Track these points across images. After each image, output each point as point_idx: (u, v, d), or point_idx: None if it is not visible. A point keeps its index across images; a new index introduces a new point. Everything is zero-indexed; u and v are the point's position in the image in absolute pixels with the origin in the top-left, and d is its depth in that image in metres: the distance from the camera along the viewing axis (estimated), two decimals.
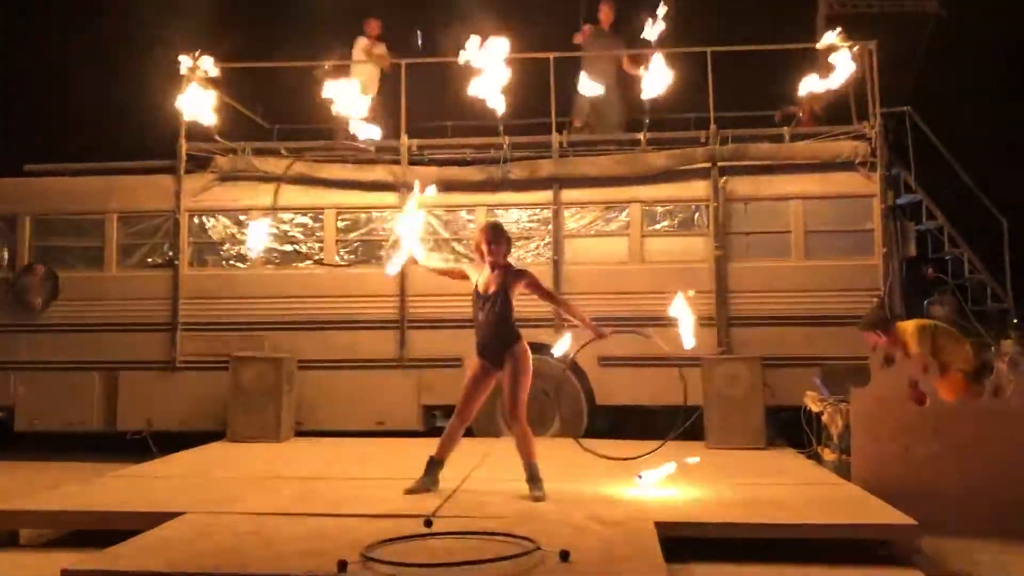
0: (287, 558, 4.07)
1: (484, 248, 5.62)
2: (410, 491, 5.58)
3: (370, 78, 9.77)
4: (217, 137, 8.75)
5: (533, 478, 5.54)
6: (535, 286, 5.71)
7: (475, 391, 5.71)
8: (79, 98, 14.00)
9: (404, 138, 9.06)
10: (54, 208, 9.40)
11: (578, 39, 9.74)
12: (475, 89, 6.51)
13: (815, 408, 7.20)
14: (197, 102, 8.09)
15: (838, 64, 7.42)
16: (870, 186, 8.46)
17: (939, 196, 9.17)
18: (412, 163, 9.05)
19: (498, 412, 8.45)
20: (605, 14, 9.77)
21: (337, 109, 7.81)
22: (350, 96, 7.82)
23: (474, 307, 5.69)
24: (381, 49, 10.03)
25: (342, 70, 9.39)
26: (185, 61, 8.15)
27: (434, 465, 5.70)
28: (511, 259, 5.86)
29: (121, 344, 8.96)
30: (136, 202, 9.29)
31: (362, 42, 10.03)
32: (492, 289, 5.59)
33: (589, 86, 7.81)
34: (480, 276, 5.67)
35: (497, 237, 5.65)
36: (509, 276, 5.62)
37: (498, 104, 7.36)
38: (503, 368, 5.61)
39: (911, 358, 6.36)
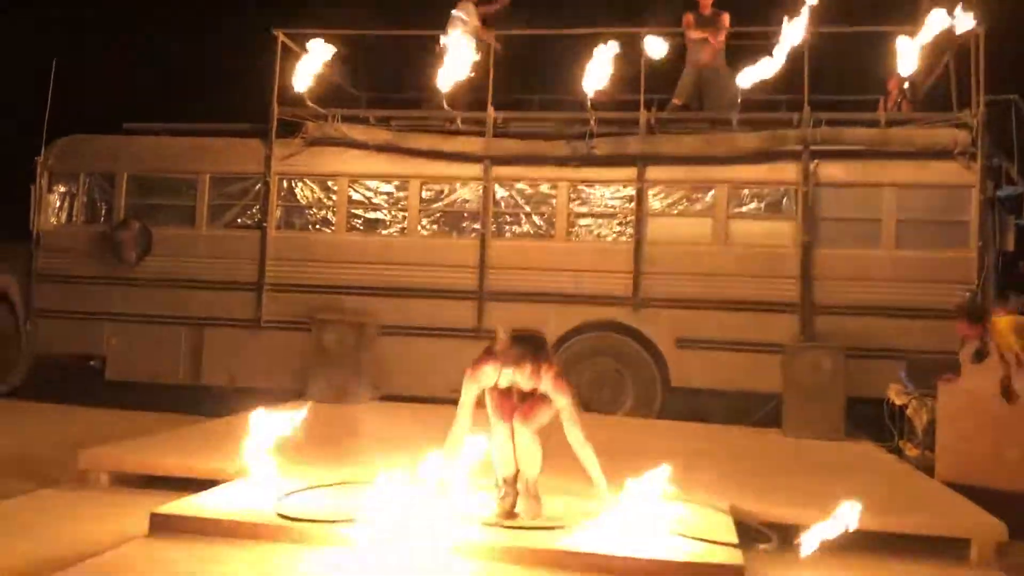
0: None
1: (527, 367, 4.41)
2: None
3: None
4: (309, 103, 8.89)
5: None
6: (566, 411, 4.40)
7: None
8: (177, 60, 14.41)
9: (490, 109, 9.05)
10: (150, 167, 9.69)
11: (685, 27, 9.51)
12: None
13: (899, 401, 7.02)
14: (290, 69, 8.30)
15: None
16: (969, 176, 8.14)
17: None
18: (496, 135, 9.06)
19: None
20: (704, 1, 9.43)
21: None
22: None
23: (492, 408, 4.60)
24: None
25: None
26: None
27: None
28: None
29: (208, 301, 9.23)
30: (228, 164, 9.52)
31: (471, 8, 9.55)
32: (531, 388, 4.47)
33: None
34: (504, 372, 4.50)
35: (537, 351, 4.45)
36: (547, 384, 4.41)
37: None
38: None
39: (1004, 354, 6.13)
